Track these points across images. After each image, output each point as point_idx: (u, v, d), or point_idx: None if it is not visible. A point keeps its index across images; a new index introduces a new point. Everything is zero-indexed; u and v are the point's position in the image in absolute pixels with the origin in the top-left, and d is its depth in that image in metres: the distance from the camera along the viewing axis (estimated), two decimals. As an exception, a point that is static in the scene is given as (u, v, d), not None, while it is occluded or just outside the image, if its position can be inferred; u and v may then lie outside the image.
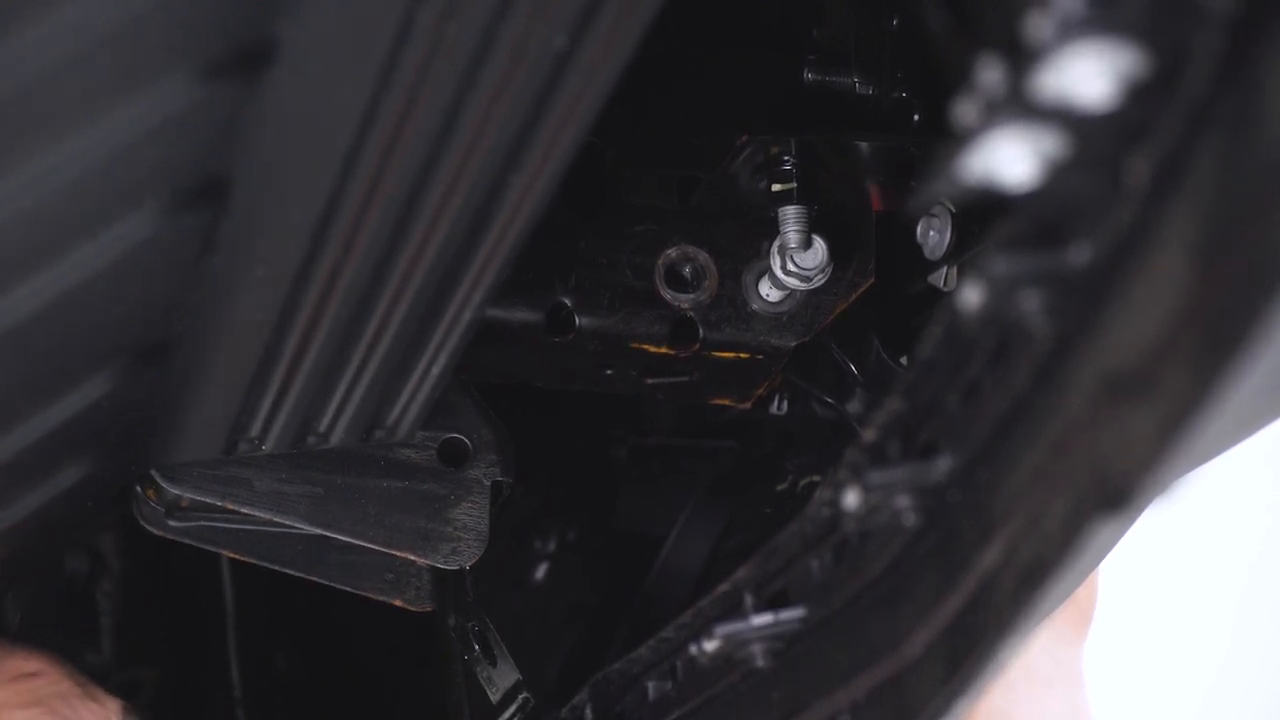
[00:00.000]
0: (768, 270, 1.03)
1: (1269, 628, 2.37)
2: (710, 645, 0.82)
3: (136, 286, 0.70)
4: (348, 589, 1.05)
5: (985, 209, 0.87)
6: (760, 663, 0.82)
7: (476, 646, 1.09)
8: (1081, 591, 1.05)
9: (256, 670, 1.43)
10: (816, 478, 1.16)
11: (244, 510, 0.99)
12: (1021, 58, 0.50)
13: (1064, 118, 0.52)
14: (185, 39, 0.56)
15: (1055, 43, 0.49)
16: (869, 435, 0.71)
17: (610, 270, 1.04)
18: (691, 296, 1.04)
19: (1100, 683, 1.11)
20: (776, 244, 1.02)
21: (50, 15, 0.53)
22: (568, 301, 1.03)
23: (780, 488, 1.21)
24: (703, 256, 1.04)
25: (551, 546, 1.35)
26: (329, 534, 1.00)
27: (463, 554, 1.02)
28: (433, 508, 1.01)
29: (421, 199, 0.72)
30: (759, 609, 0.81)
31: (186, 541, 1.02)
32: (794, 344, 1.05)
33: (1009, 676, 1.03)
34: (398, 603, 1.06)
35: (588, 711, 0.90)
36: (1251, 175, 0.49)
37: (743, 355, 1.05)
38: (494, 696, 1.08)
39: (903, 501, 0.70)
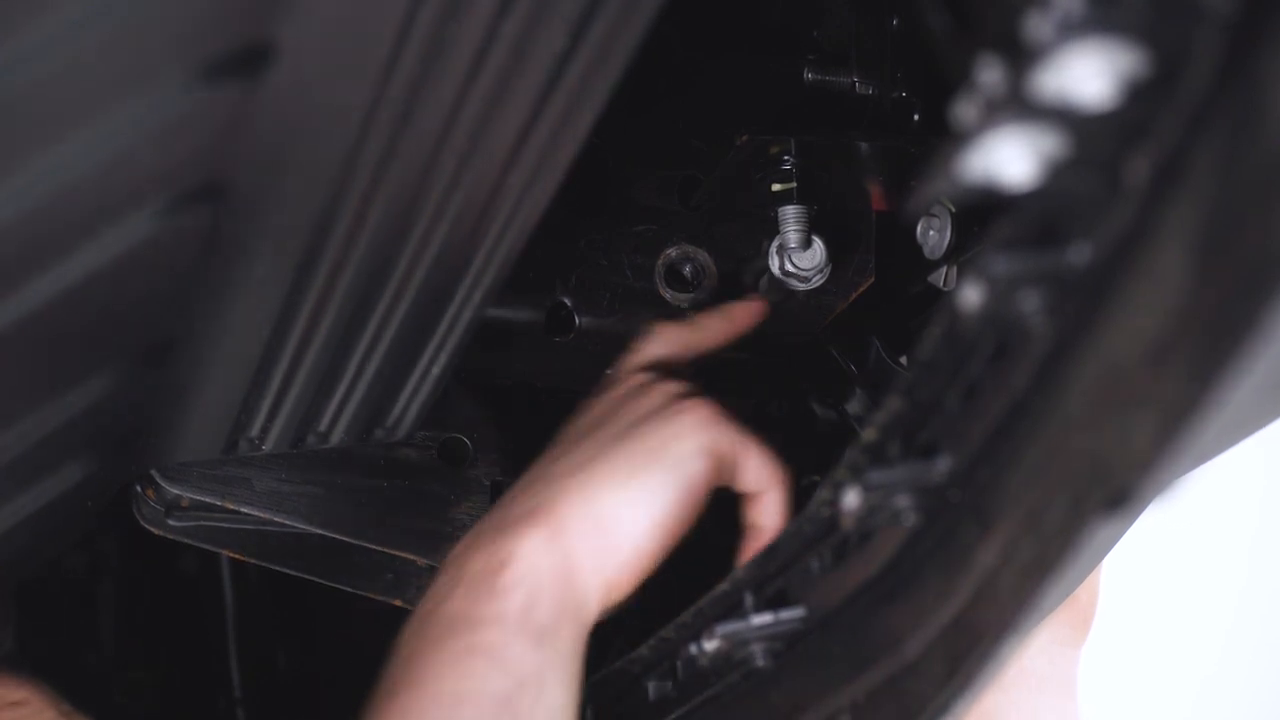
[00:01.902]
0: (767, 270, 1.03)
1: (1267, 630, 2.37)
2: (710, 645, 0.82)
3: (137, 286, 0.70)
4: (348, 589, 1.05)
5: (985, 209, 0.87)
6: (760, 662, 0.82)
7: (476, 646, 1.09)
8: (1082, 594, 1.05)
9: (256, 670, 1.43)
10: (816, 478, 1.16)
11: (244, 510, 0.99)
12: (1021, 57, 0.50)
13: (1063, 117, 0.52)
14: (185, 40, 0.56)
15: (1055, 42, 0.49)
16: (869, 435, 0.71)
17: (610, 270, 1.04)
18: (691, 296, 1.04)
19: (1099, 686, 1.11)
20: (776, 244, 1.02)
21: (51, 17, 0.53)
22: (568, 301, 1.03)
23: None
24: (702, 256, 1.05)
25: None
26: (329, 534, 1.00)
27: (463, 554, 1.02)
28: (433, 508, 1.01)
29: (422, 199, 0.72)
30: (759, 609, 0.81)
31: (186, 541, 1.02)
32: (793, 343, 1.05)
33: (1008, 681, 1.03)
34: (398, 603, 1.06)
35: (587, 712, 0.90)
36: (1251, 175, 0.49)
37: (742, 355, 1.05)
38: (494, 696, 1.08)
39: (903, 501, 0.70)
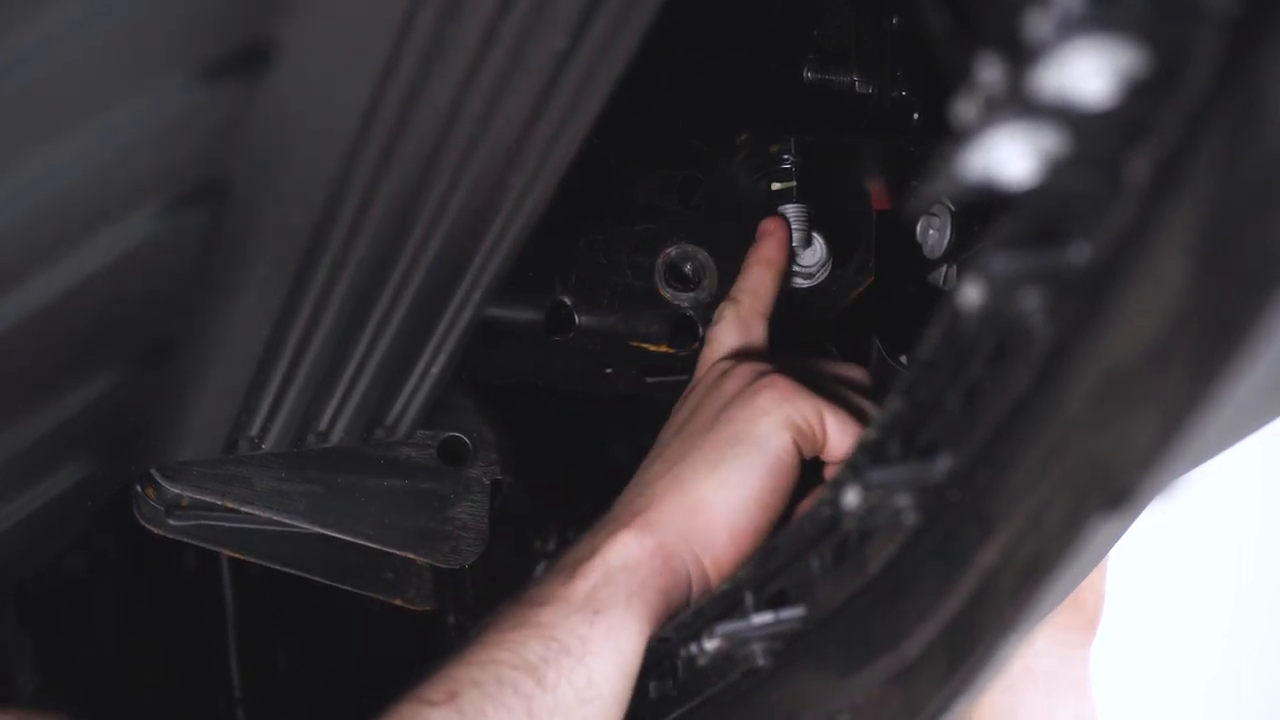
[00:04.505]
0: (768, 270, 1.03)
1: (1269, 628, 2.37)
2: (710, 645, 0.82)
3: (137, 285, 0.70)
4: (348, 588, 1.05)
5: (985, 208, 0.87)
6: (760, 662, 0.82)
7: (477, 646, 1.09)
8: (1088, 595, 1.05)
9: (256, 670, 1.43)
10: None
11: (244, 509, 0.99)
12: (1021, 56, 0.50)
13: (1064, 116, 0.52)
14: (186, 40, 0.56)
15: (1055, 41, 0.49)
16: (869, 435, 0.71)
17: (610, 269, 1.04)
18: (691, 295, 1.04)
19: (1108, 685, 1.11)
20: (776, 243, 1.02)
21: (51, 17, 0.53)
22: (568, 300, 1.03)
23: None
24: (703, 255, 1.05)
25: (551, 546, 1.35)
26: (329, 533, 1.00)
27: (462, 553, 1.02)
28: (432, 507, 1.01)
29: (421, 199, 0.72)
30: (759, 608, 0.81)
31: (186, 540, 1.02)
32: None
33: (1014, 680, 1.03)
34: (398, 602, 1.06)
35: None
36: (1251, 175, 0.49)
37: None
38: (494, 696, 1.08)
39: (903, 501, 0.70)
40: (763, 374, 0.91)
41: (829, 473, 0.92)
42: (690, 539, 0.87)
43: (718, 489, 0.88)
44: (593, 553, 0.86)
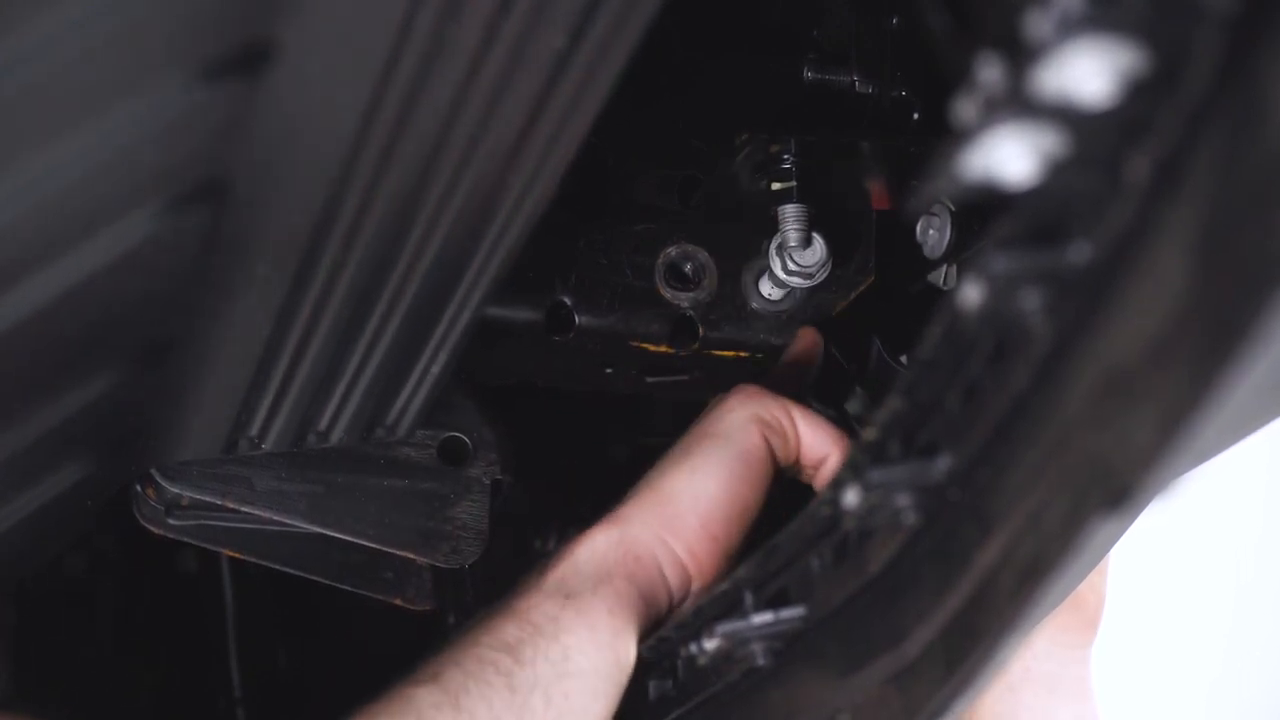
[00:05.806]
0: (767, 269, 1.03)
1: (1269, 630, 2.37)
2: (710, 644, 0.82)
3: (137, 285, 0.70)
4: (348, 588, 1.05)
5: (985, 207, 0.87)
6: (760, 661, 0.82)
7: (476, 646, 1.09)
8: (1088, 596, 1.05)
9: (256, 670, 1.43)
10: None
11: (244, 509, 0.99)
12: (1021, 55, 0.50)
13: (1064, 116, 0.52)
14: (186, 40, 0.56)
15: (1055, 41, 0.49)
16: (869, 434, 0.71)
17: (610, 269, 1.04)
18: (691, 295, 1.04)
19: (1108, 688, 1.11)
20: (776, 242, 1.02)
21: (52, 17, 0.53)
22: (568, 300, 1.03)
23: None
24: (703, 255, 1.04)
25: (551, 546, 1.35)
26: (329, 532, 1.00)
27: (463, 553, 1.02)
28: (432, 506, 1.01)
29: (421, 199, 0.72)
30: (759, 608, 0.81)
31: (186, 540, 1.02)
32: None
33: (1014, 681, 1.03)
34: (398, 602, 1.06)
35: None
36: (1251, 175, 0.49)
37: (742, 354, 1.05)
38: (494, 696, 1.08)
39: (903, 500, 0.70)
40: (735, 389, 0.96)
41: (814, 479, 0.94)
42: (656, 527, 0.91)
43: (687, 478, 0.92)
44: (565, 551, 0.91)
